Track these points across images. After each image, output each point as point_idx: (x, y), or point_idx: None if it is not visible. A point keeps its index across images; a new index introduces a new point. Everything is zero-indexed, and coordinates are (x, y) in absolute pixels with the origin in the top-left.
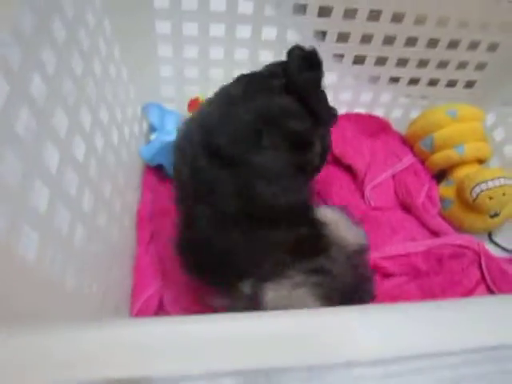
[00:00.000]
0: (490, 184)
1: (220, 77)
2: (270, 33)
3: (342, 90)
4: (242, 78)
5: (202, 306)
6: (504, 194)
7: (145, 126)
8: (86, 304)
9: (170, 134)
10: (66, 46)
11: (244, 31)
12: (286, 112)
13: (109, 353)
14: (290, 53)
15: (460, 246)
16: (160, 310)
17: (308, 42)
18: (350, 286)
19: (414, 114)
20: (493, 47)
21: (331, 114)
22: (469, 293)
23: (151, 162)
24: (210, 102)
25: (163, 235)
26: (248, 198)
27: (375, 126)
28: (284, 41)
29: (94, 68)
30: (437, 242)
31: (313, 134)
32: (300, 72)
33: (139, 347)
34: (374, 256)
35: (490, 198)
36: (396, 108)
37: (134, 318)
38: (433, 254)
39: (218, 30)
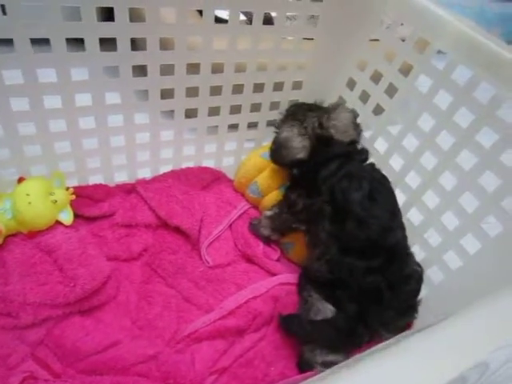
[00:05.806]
0: None
1: (5, 156)
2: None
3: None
4: None
5: None
6: None
7: None
8: None
9: None
10: None
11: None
12: None
13: None
14: None
15: (294, 284)
16: None
17: (131, 102)
18: None
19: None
20: (297, 86)
21: None
22: None
23: None
24: None
25: None
26: None
27: (207, 178)
28: (103, 103)
29: None
30: (272, 282)
31: None
32: None
33: None
34: (214, 318)
35: None
36: (226, 155)
37: None
38: (270, 295)
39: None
